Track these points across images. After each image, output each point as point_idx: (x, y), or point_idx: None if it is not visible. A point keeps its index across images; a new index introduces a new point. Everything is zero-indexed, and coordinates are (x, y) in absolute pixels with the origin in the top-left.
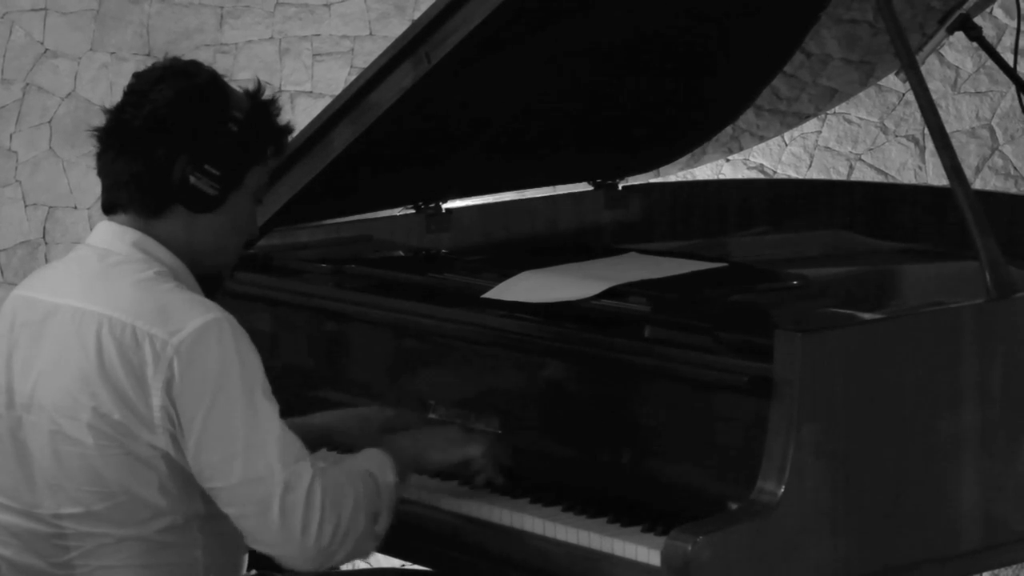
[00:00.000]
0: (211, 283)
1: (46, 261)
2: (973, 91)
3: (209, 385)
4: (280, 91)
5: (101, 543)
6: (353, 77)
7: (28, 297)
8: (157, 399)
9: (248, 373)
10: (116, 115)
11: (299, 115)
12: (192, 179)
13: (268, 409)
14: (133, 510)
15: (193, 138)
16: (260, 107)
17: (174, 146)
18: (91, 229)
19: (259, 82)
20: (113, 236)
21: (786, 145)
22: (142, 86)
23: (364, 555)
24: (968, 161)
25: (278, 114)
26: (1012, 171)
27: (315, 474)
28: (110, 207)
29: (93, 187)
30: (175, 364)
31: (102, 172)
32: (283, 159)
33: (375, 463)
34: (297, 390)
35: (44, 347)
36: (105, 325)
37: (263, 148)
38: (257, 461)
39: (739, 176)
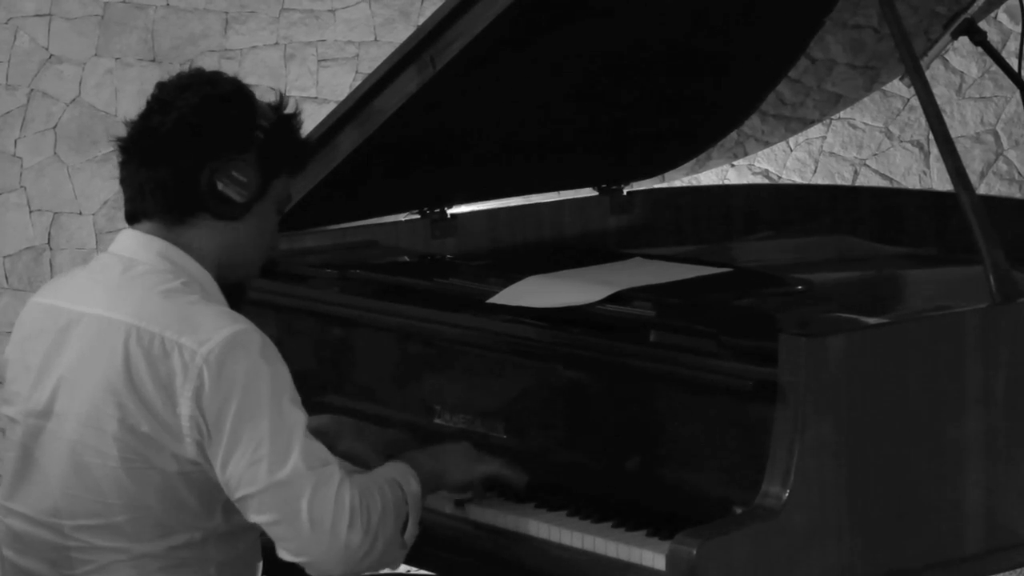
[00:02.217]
0: (235, 294)
1: (51, 267)
2: (978, 96)
3: (237, 394)
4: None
5: (116, 559)
6: (358, 83)
7: (49, 305)
8: (186, 409)
9: (277, 382)
10: (141, 123)
11: (304, 121)
12: (220, 185)
13: (295, 416)
14: (152, 524)
15: (221, 145)
16: (284, 119)
17: (202, 153)
18: (96, 235)
19: (282, 95)
20: (138, 245)
21: (791, 150)
22: (167, 95)
23: (393, 564)
24: (973, 166)
25: (301, 126)
26: (1017, 176)
27: (343, 477)
28: (134, 216)
29: (98, 193)
30: (204, 373)
31: (126, 181)
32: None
33: (399, 472)
34: (303, 395)
35: (66, 355)
36: (133, 335)
37: (287, 158)
38: (282, 465)
39: (744, 181)
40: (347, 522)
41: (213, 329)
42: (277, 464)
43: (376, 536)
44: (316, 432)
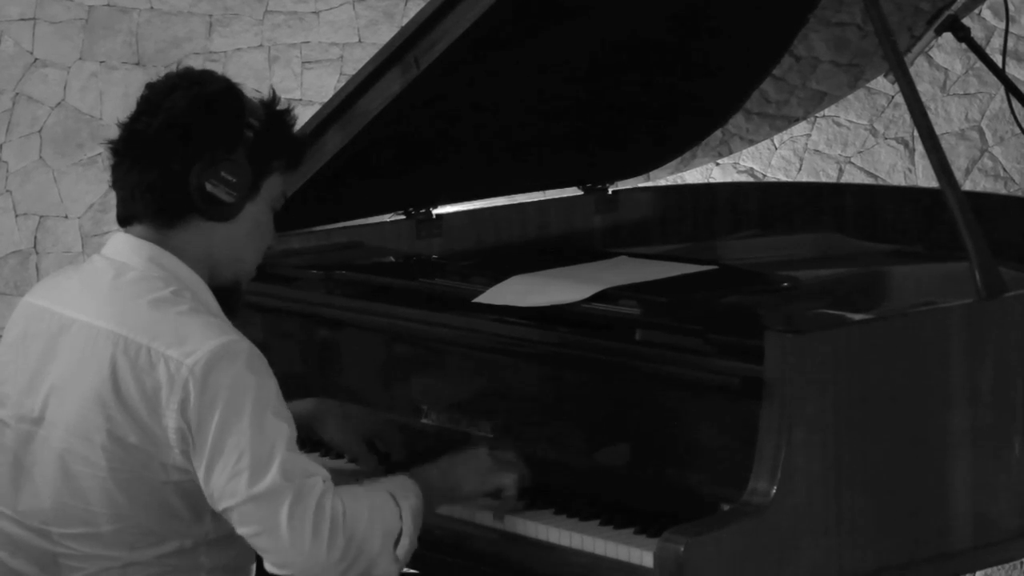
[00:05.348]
0: (229, 296)
1: (37, 271)
2: (962, 93)
3: (220, 405)
4: None
5: (106, 567)
6: (342, 84)
7: (40, 307)
8: (171, 421)
9: (262, 395)
10: (130, 125)
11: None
12: (208, 186)
13: (278, 428)
14: (141, 533)
15: (209, 145)
16: (276, 116)
17: (190, 153)
18: (82, 239)
19: (274, 92)
20: (130, 249)
21: (776, 148)
22: (155, 96)
23: None
24: (958, 163)
25: (293, 124)
26: (1001, 172)
27: (325, 490)
28: (125, 219)
29: (84, 196)
30: (190, 385)
31: (117, 184)
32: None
33: (397, 486)
34: (289, 396)
35: (57, 362)
36: (120, 345)
37: (279, 157)
38: (262, 477)
39: (729, 180)
40: (327, 533)
41: (200, 341)
42: (257, 476)
43: (360, 549)
44: (300, 416)
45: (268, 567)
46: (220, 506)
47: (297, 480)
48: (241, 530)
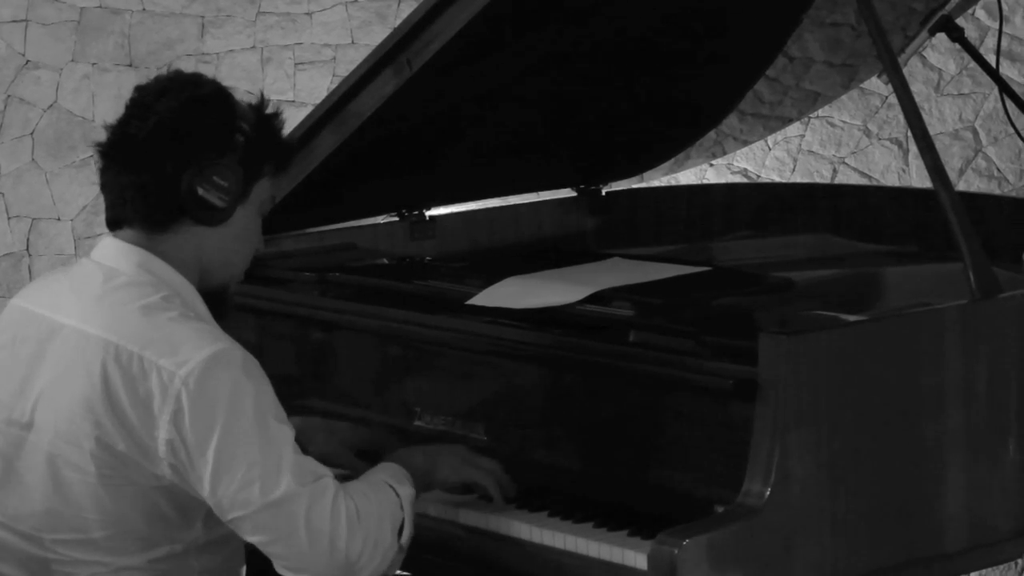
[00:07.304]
0: (217, 301)
1: (30, 273)
2: (956, 93)
3: (219, 416)
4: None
5: (97, 572)
6: (335, 86)
7: (29, 310)
8: (163, 432)
9: (260, 400)
10: (120, 129)
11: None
12: (200, 190)
13: (282, 433)
14: (132, 539)
15: (200, 149)
16: (266, 120)
17: (181, 157)
18: (74, 241)
19: (263, 96)
20: (119, 254)
21: (769, 149)
22: (146, 98)
23: (392, 568)
24: (952, 163)
25: (282, 127)
26: (995, 172)
27: (338, 489)
28: (115, 222)
29: (76, 198)
30: (183, 396)
31: (106, 188)
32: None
33: (392, 475)
34: (282, 399)
35: (46, 367)
36: (111, 353)
37: (269, 160)
38: (275, 486)
39: (723, 181)
40: (345, 533)
41: (192, 350)
42: (270, 485)
43: (375, 543)
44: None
45: (282, 572)
46: (230, 516)
47: (309, 483)
48: (253, 538)
